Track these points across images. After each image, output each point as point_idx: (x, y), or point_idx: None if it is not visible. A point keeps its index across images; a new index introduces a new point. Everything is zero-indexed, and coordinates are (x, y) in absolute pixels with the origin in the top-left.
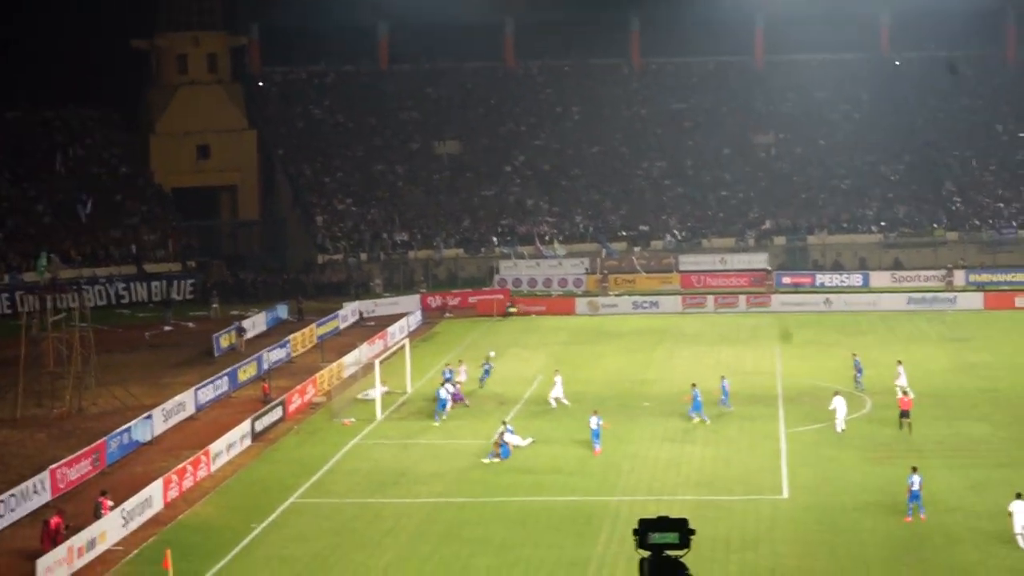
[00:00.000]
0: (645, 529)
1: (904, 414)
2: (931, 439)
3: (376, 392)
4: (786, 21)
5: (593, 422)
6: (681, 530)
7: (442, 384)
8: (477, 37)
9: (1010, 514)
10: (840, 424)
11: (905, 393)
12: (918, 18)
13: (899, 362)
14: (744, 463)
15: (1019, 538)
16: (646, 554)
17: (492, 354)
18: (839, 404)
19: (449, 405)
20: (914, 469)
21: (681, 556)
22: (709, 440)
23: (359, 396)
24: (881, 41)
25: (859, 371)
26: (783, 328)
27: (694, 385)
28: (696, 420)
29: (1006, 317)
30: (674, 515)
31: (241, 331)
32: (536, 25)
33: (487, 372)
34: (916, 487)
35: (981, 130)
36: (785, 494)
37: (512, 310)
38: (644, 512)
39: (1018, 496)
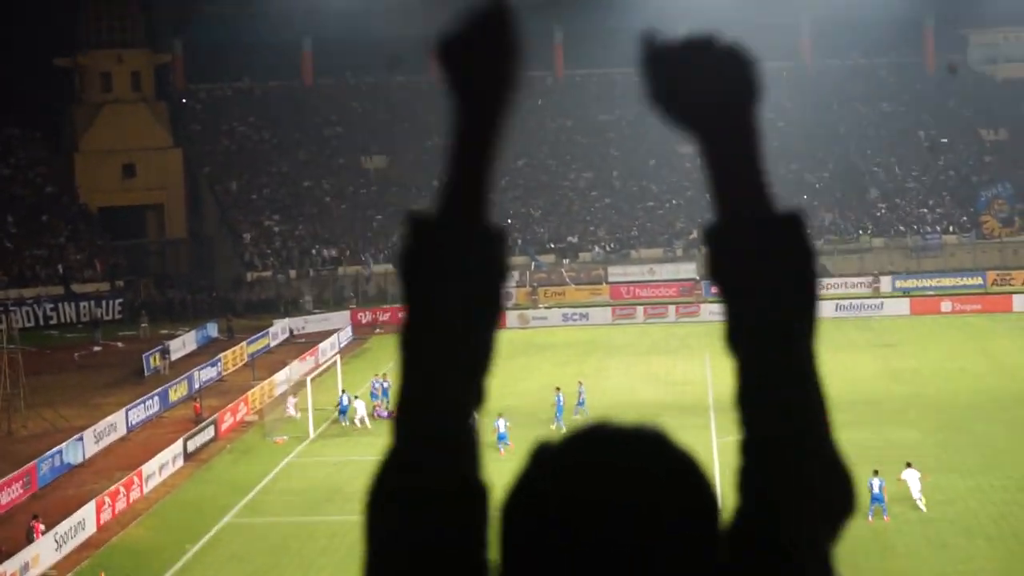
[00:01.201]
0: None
1: None
2: (860, 445)
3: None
4: (707, 30)
5: (501, 425)
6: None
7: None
8: (402, 51)
9: (903, 481)
10: None
11: None
12: (838, 26)
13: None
14: None
15: (918, 502)
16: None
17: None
18: None
19: (356, 413)
20: (875, 472)
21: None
22: None
23: (288, 413)
24: (802, 49)
25: None
26: None
27: (558, 389)
28: (554, 428)
29: (932, 322)
30: None
31: (165, 353)
32: None
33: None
34: (876, 489)
35: (903, 137)
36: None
37: None
38: None
39: (908, 465)
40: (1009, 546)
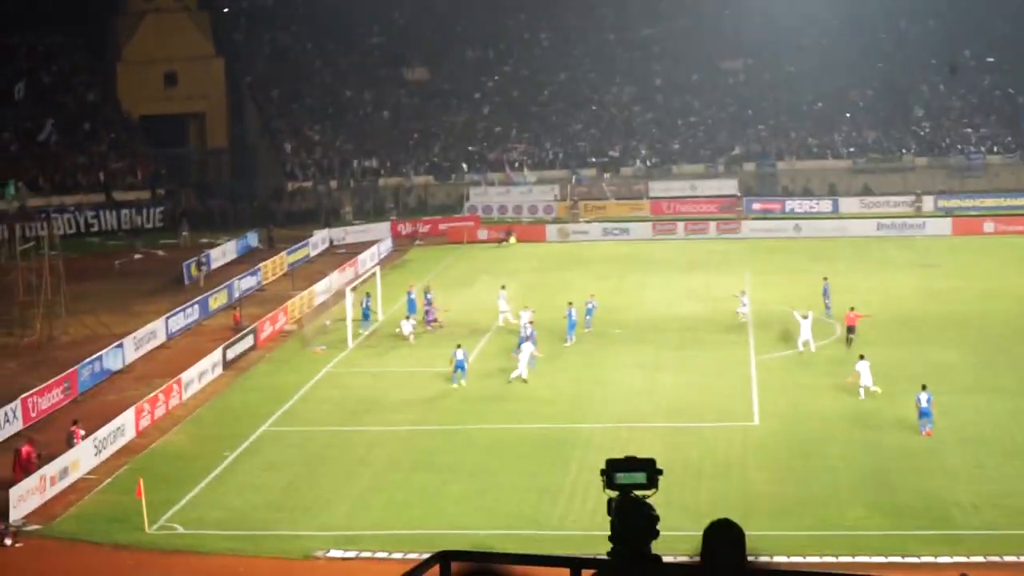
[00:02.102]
0: (612, 469)
1: (850, 329)
2: (900, 364)
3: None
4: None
5: (459, 354)
6: (648, 470)
7: (406, 318)
8: None
9: (858, 373)
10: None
11: (852, 309)
12: None
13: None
14: (715, 390)
15: (861, 390)
16: (614, 494)
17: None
18: (805, 327)
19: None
20: (923, 387)
21: (649, 496)
22: (680, 367)
23: (326, 323)
24: None
25: (827, 296)
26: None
27: (570, 304)
28: (569, 344)
29: (974, 242)
30: (646, 442)
31: (201, 264)
32: None
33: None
34: (924, 404)
35: (948, 55)
36: (756, 421)
37: (512, 240)
38: (616, 439)
39: (861, 357)
40: None
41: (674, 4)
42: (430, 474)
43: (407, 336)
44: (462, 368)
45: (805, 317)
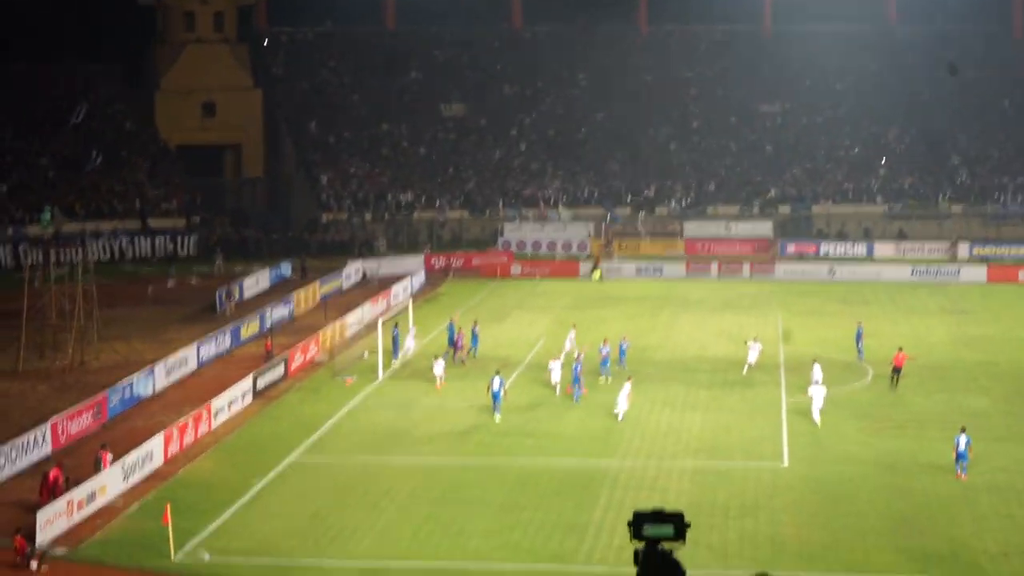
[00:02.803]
0: (640, 521)
1: (896, 370)
2: (931, 411)
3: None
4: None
5: (495, 383)
6: (676, 523)
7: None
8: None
9: (811, 397)
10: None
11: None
12: None
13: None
14: (745, 431)
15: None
16: (640, 544)
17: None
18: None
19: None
20: (963, 429)
21: (676, 549)
22: (710, 407)
23: (364, 355)
24: (888, 12)
25: (860, 340)
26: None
27: (606, 340)
28: (604, 380)
29: (1009, 290)
30: (674, 480)
31: (230, 294)
32: None
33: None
34: (962, 447)
35: (987, 104)
36: (785, 462)
37: (597, 275)
38: (644, 477)
39: (816, 382)
40: None
41: (713, 47)
42: (456, 507)
43: (437, 377)
44: (497, 399)
45: (756, 340)
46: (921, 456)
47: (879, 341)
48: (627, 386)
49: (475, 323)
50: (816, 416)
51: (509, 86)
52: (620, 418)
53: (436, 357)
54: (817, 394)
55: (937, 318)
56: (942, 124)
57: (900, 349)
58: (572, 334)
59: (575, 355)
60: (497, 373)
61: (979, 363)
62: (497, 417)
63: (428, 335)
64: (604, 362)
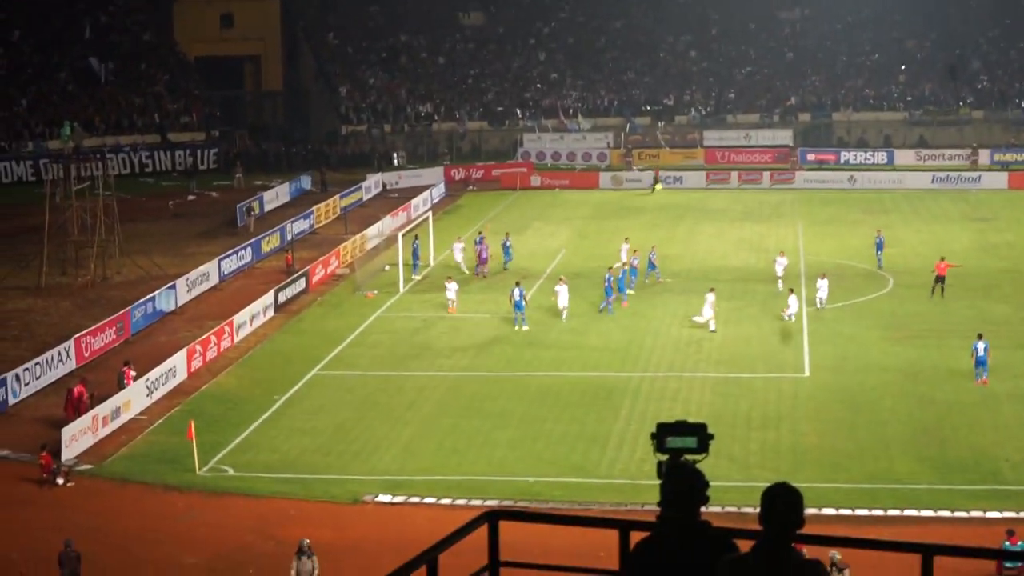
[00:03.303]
0: (663, 433)
1: (939, 279)
2: (952, 319)
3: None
4: None
5: (516, 294)
6: (700, 435)
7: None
8: None
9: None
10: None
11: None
12: None
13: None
14: (766, 341)
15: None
16: (664, 457)
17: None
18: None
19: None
20: (980, 336)
21: (699, 461)
22: (731, 318)
23: (385, 268)
24: None
25: (880, 248)
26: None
27: (636, 251)
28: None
29: None
30: (695, 392)
31: (251, 211)
32: None
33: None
34: (981, 352)
35: (1009, 8)
36: (807, 373)
37: (659, 187)
38: (665, 388)
39: (791, 291)
40: None
41: None
42: (479, 420)
43: (449, 301)
44: (520, 308)
45: (782, 255)
46: (943, 365)
47: (901, 249)
48: (711, 296)
49: (506, 235)
50: (790, 316)
51: None
52: (712, 327)
53: (448, 279)
54: (793, 303)
55: (958, 225)
56: (963, 28)
57: (943, 258)
58: (626, 246)
59: (628, 264)
60: (517, 284)
61: (1001, 270)
62: (524, 327)
63: (448, 248)
64: (633, 272)
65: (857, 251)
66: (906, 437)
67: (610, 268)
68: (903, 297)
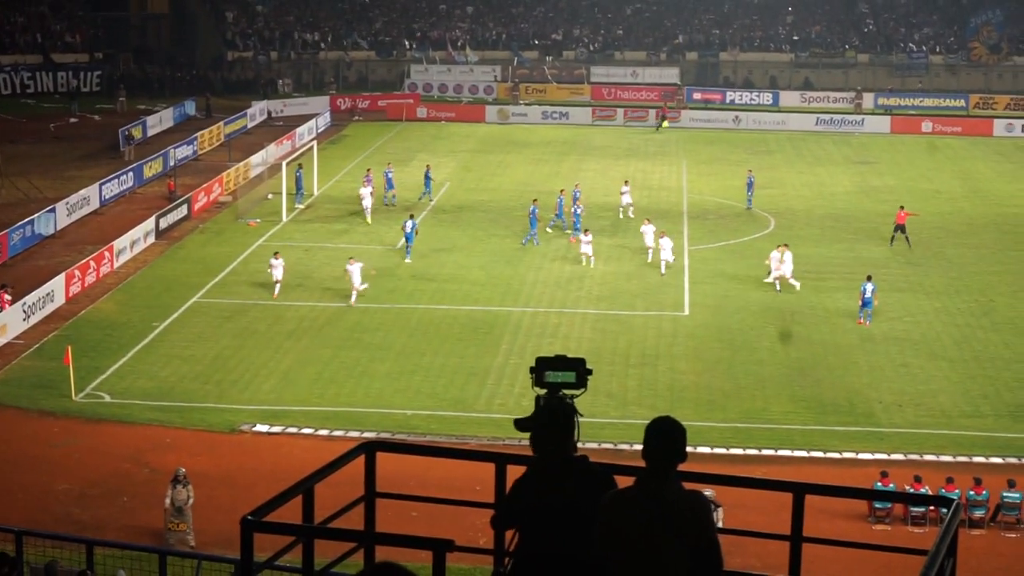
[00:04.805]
0: (541, 367)
1: (898, 227)
2: (831, 261)
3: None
4: None
5: (408, 225)
6: (578, 370)
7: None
8: None
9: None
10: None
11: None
12: None
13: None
14: (646, 279)
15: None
16: (542, 391)
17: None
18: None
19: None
20: (868, 278)
21: (577, 396)
22: (611, 256)
23: (268, 196)
24: None
25: (751, 189)
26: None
27: (562, 191)
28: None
29: (911, 141)
30: (575, 328)
31: (130, 138)
32: None
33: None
34: (868, 294)
35: None
36: (686, 311)
37: (666, 124)
38: (545, 324)
39: (663, 235)
40: (969, 369)
41: None
42: (358, 352)
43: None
44: (409, 240)
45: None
46: (819, 306)
47: (783, 191)
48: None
49: (428, 167)
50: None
51: None
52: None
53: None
54: (666, 246)
55: (841, 168)
56: None
57: (902, 207)
58: (627, 188)
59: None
60: (411, 217)
61: (880, 214)
62: (408, 259)
63: (332, 178)
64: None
65: (739, 191)
66: (782, 377)
67: (534, 200)
68: (784, 238)
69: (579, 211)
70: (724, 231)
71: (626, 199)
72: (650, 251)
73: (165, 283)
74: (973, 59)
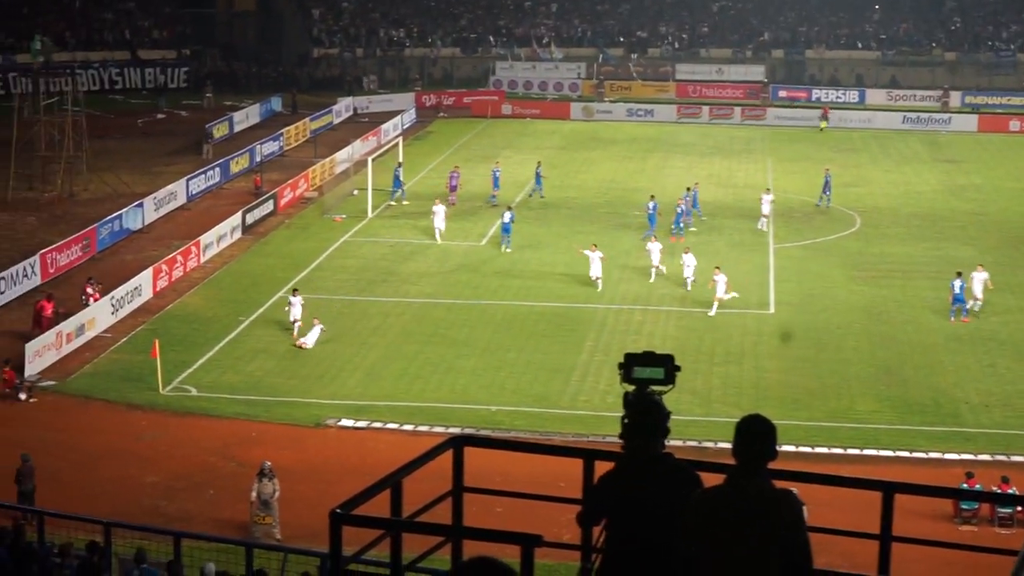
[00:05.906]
0: (630, 363)
1: None
2: (918, 260)
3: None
4: None
5: (507, 216)
6: (667, 366)
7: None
8: None
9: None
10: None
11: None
12: None
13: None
14: (732, 277)
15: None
16: (630, 387)
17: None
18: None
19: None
20: (958, 274)
21: (665, 392)
22: (698, 252)
23: (353, 192)
24: None
25: (827, 188)
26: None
27: (652, 197)
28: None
29: (999, 140)
30: (660, 325)
31: (209, 137)
32: None
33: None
34: (958, 291)
35: None
36: (771, 310)
37: (824, 124)
38: (630, 321)
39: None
40: None
41: None
42: (443, 347)
43: (437, 230)
44: (507, 231)
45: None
46: (907, 305)
47: (869, 189)
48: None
49: (539, 164)
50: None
51: None
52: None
53: (435, 203)
54: (655, 249)
55: (927, 166)
56: None
57: None
58: (768, 197)
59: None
60: (509, 208)
61: (968, 213)
62: (507, 249)
63: (418, 175)
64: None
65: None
66: (868, 376)
67: (652, 197)
68: (870, 237)
69: (687, 211)
70: (809, 229)
71: (766, 207)
72: (653, 271)
73: (251, 278)
74: None
